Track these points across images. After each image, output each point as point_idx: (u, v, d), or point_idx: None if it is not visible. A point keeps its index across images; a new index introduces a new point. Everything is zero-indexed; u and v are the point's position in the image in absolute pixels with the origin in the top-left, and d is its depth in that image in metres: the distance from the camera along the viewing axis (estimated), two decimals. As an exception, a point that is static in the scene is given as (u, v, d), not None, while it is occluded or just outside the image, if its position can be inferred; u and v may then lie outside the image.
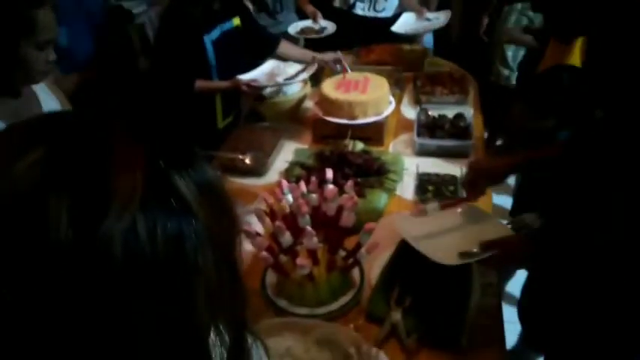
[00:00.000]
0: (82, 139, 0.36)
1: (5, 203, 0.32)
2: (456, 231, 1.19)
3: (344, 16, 2.51)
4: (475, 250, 1.07)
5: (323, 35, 2.43)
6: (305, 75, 1.87)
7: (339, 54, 1.97)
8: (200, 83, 1.80)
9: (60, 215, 0.31)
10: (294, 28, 2.50)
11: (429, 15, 2.49)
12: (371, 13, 2.54)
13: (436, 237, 1.16)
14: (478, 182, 1.22)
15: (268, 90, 1.84)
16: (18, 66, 1.07)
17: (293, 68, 1.92)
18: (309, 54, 2.05)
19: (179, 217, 0.35)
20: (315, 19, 2.51)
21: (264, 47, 2.07)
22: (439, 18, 2.46)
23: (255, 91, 1.81)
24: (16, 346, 0.32)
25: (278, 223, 1.08)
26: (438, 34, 2.84)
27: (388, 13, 2.57)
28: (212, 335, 0.40)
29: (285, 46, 2.07)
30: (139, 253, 0.33)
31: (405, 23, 2.46)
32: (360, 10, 2.55)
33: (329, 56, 1.98)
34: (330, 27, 2.45)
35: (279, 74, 1.88)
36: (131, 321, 0.33)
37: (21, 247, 0.32)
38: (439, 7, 2.72)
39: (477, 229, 1.18)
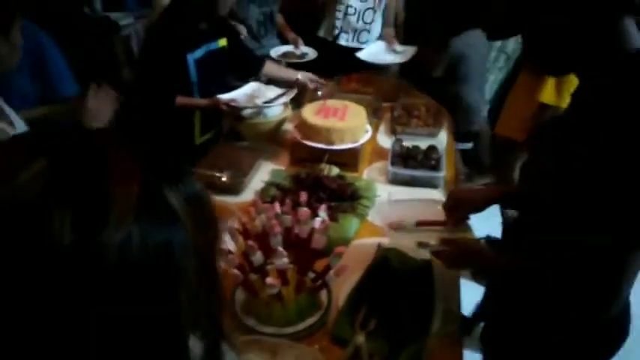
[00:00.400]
0: (81, 151, 0.39)
1: (10, 212, 0.34)
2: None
3: (328, 46, 2.60)
4: (433, 243, 1.16)
5: (304, 60, 2.51)
6: (284, 99, 1.93)
7: (321, 92, 2.10)
8: (180, 99, 1.83)
9: (63, 224, 0.34)
10: (275, 51, 2.58)
11: (398, 47, 2.57)
12: (354, 44, 2.63)
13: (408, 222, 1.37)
14: (459, 209, 1.29)
15: (247, 111, 1.88)
16: None
17: (273, 92, 1.97)
18: (293, 73, 2.14)
19: (169, 227, 0.38)
20: (296, 46, 2.60)
21: (249, 68, 2.13)
22: (406, 52, 2.55)
23: (234, 110, 1.85)
24: (15, 344, 0.35)
25: (250, 242, 1.11)
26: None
27: (371, 44, 2.67)
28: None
29: (270, 66, 2.15)
30: (131, 260, 0.36)
31: (372, 52, 2.54)
32: (344, 40, 2.65)
33: (312, 77, 2.10)
34: (311, 53, 2.54)
35: (259, 96, 1.92)
36: (121, 320, 0.36)
37: (25, 252, 0.34)
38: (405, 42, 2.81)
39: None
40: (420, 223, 1.34)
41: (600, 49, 0.86)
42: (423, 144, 1.85)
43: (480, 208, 1.28)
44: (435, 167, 1.72)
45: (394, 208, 1.47)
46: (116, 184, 0.37)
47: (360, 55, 2.50)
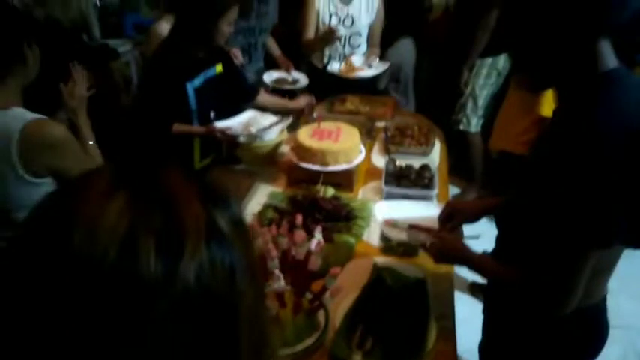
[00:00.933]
0: (151, 182, 0.41)
1: (102, 251, 0.36)
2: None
3: (319, 72, 2.67)
4: (422, 237, 1.28)
5: (297, 87, 2.57)
6: (279, 127, 1.99)
7: (312, 99, 2.18)
8: (177, 127, 1.88)
9: (149, 255, 0.36)
10: (269, 76, 2.63)
11: (374, 63, 2.62)
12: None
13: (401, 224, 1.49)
14: (453, 218, 1.34)
15: (242, 138, 1.92)
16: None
17: (268, 120, 2.03)
18: (286, 102, 2.23)
19: (228, 250, 0.41)
20: (288, 71, 2.66)
21: (244, 95, 2.19)
22: (379, 68, 2.61)
23: (229, 138, 1.90)
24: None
25: (248, 265, 1.15)
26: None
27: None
28: None
29: (263, 96, 2.22)
30: (206, 284, 0.38)
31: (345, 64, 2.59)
32: (333, 67, 2.69)
33: (304, 100, 2.18)
34: (302, 79, 2.61)
35: (255, 124, 1.97)
36: (197, 339, 0.39)
37: (114, 286, 0.36)
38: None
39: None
40: (413, 227, 1.42)
41: (574, 68, 0.92)
42: (417, 163, 1.90)
43: (474, 218, 1.34)
44: (428, 185, 1.76)
45: (392, 209, 1.64)
46: (185, 212, 0.39)
47: (332, 68, 2.55)
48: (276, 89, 2.63)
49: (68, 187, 0.43)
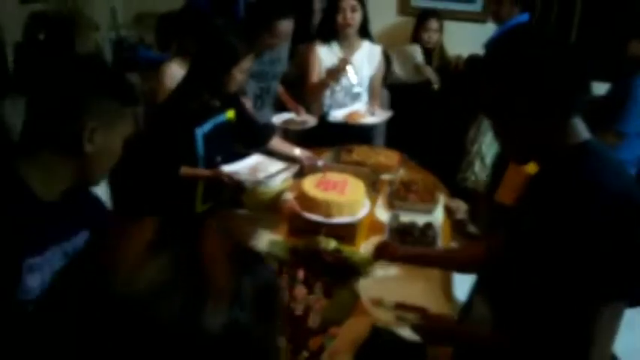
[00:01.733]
0: (191, 245, 0.46)
1: (139, 300, 0.41)
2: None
3: (321, 120, 2.68)
4: (410, 316, 1.24)
5: (306, 127, 2.59)
6: (286, 174, 1.98)
7: (312, 156, 2.22)
8: (183, 170, 1.88)
9: (175, 306, 0.41)
10: (278, 118, 2.65)
11: (377, 111, 2.66)
12: (344, 121, 2.66)
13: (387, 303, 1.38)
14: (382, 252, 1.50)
15: (248, 184, 1.91)
16: None
17: (275, 166, 2.01)
18: (292, 149, 2.25)
19: (248, 314, 0.44)
20: (297, 114, 2.69)
21: (257, 138, 2.22)
22: (381, 116, 2.65)
23: (235, 183, 1.88)
24: None
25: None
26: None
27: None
28: None
29: (274, 140, 2.24)
30: (224, 341, 0.43)
31: (347, 113, 2.61)
32: (332, 118, 2.65)
33: (309, 154, 2.21)
34: (311, 120, 2.63)
35: (262, 170, 1.97)
36: None
37: (138, 334, 0.41)
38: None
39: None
40: (400, 306, 1.35)
41: (551, 143, 1.02)
42: (420, 220, 1.88)
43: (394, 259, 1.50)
44: (432, 244, 1.74)
45: (378, 285, 1.51)
46: (217, 275, 0.44)
47: (336, 115, 2.57)
48: (286, 130, 2.69)
49: (109, 237, 0.50)
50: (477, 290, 1.78)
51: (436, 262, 1.51)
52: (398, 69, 3.18)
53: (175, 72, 2.26)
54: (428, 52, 3.24)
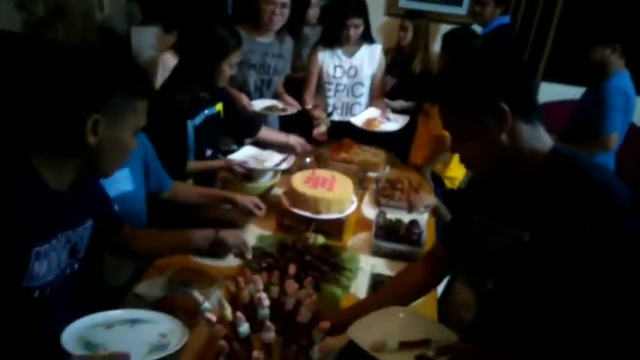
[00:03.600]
0: None
1: None
2: (405, 336, 1.20)
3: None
4: (431, 354, 1.11)
5: (287, 113, 2.62)
6: (287, 164, 2.13)
7: (304, 142, 2.32)
8: (193, 164, 1.96)
9: None
10: (259, 104, 2.58)
11: (391, 116, 2.72)
12: (347, 118, 2.76)
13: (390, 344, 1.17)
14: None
15: (257, 173, 2.07)
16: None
17: (277, 157, 2.18)
18: (284, 137, 2.34)
19: None
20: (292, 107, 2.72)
21: (247, 129, 2.28)
22: (398, 120, 2.69)
23: (246, 172, 2.03)
24: None
25: (239, 313, 1.14)
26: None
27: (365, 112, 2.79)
28: None
29: (263, 131, 2.30)
30: None
31: (367, 119, 2.67)
32: (337, 116, 2.82)
33: (301, 141, 2.31)
34: (291, 108, 2.65)
35: (266, 160, 2.13)
36: None
37: None
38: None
39: (423, 332, 1.21)
40: (404, 344, 1.18)
41: (516, 152, 1.01)
42: (406, 217, 1.93)
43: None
44: (417, 242, 1.79)
45: (374, 326, 1.24)
46: None
47: (355, 120, 2.63)
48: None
49: None
50: (454, 277, 1.83)
51: (381, 303, 1.30)
52: None
53: (169, 62, 2.26)
54: (409, 56, 3.28)
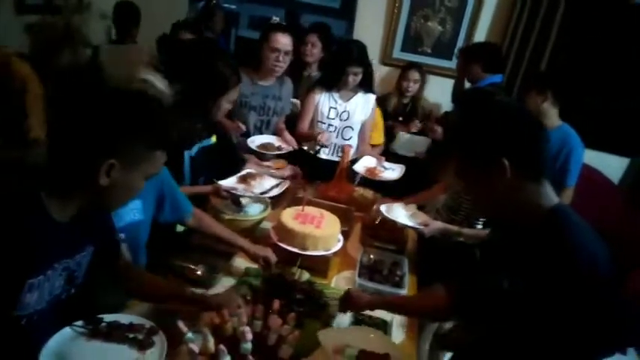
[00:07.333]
0: None
1: None
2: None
3: (310, 158, 2.85)
4: None
5: (282, 152, 2.67)
6: (278, 190, 2.17)
7: (297, 170, 2.44)
8: (182, 189, 1.95)
9: None
10: (253, 141, 2.66)
11: (385, 164, 2.82)
12: (335, 158, 2.87)
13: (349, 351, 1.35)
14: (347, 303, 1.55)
15: (245, 199, 2.09)
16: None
17: (268, 182, 2.22)
18: (272, 172, 2.39)
19: None
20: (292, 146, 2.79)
21: (234, 165, 2.31)
22: (394, 170, 2.77)
23: (233, 197, 2.05)
24: None
25: (222, 346, 1.17)
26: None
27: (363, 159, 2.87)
28: None
29: (252, 166, 2.37)
30: None
31: (366, 167, 2.75)
32: (324, 155, 2.91)
33: (288, 171, 2.40)
34: (286, 146, 2.70)
35: (256, 186, 2.14)
36: None
37: None
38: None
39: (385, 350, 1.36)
40: (363, 353, 1.34)
41: (523, 206, 1.12)
42: (389, 259, 1.98)
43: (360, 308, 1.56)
44: (399, 284, 1.84)
45: (338, 334, 1.48)
46: None
47: (357, 168, 2.70)
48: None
49: None
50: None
51: (399, 309, 1.55)
52: None
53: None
54: (406, 103, 3.51)
